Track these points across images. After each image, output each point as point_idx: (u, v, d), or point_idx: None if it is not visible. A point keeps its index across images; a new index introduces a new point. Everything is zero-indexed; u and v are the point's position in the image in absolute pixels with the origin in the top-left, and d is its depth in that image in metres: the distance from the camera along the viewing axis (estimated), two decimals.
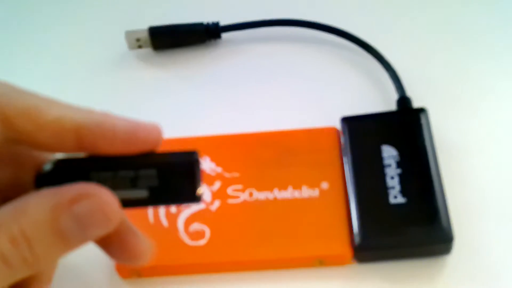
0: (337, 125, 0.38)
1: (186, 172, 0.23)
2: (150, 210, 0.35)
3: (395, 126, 0.37)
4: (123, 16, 0.47)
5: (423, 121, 0.36)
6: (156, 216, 0.35)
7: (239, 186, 0.36)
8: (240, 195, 0.36)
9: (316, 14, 0.43)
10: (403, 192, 0.34)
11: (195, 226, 0.35)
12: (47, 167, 0.23)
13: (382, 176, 0.35)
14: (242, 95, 0.42)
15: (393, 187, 0.34)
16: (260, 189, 0.36)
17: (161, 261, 0.34)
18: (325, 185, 0.35)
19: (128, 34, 0.43)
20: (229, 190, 0.36)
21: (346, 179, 0.35)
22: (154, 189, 0.23)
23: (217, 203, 0.36)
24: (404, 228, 0.33)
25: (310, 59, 0.43)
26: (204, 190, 0.23)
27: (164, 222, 0.35)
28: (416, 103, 0.38)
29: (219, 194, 0.36)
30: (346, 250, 0.33)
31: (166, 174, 0.23)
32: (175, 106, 0.42)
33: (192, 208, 0.35)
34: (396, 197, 0.34)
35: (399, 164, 0.35)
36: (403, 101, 0.38)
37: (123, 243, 0.25)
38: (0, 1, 0.48)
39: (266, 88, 0.42)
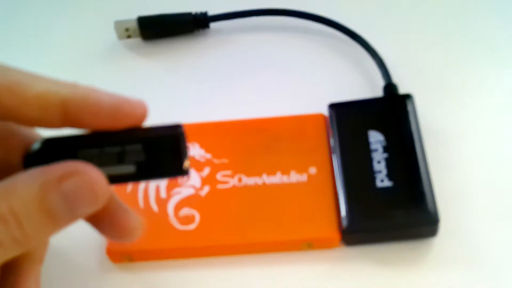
0: (325, 111, 0.38)
1: (171, 145, 0.23)
2: (140, 195, 0.36)
3: (381, 112, 0.37)
4: (112, 6, 0.47)
5: (409, 107, 0.37)
6: (146, 201, 0.36)
7: (228, 172, 0.36)
8: (229, 180, 0.36)
9: (304, 4, 0.44)
10: (390, 176, 0.35)
11: (185, 211, 0.35)
12: (35, 146, 0.23)
13: (369, 160, 0.35)
14: (230, 84, 0.42)
15: (379, 171, 0.35)
16: (249, 174, 0.36)
17: (152, 246, 0.35)
18: (313, 170, 0.36)
19: (117, 24, 0.44)
20: (219, 176, 0.36)
21: (334, 164, 0.36)
22: (141, 164, 0.23)
23: (206, 189, 0.36)
24: (391, 211, 0.34)
25: (298, 48, 0.43)
26: (189, 163, 0.23)
27: (154, 207, 0.36)
28: (402, 90, 0.39)
29: (208, 180, 0.36)
30: (334, 233, 0.34)
31: (152, 149, 0.23)
32: (164, 94, 0.42)
33: (182, 193, 0.36)
34: (382, 180, 0.35)
35: (385, 149, 0.35)
36: (390, 87, 0.39)
37: (114, 220, 0.25)
38: None
39: (255, 77, 0.42)
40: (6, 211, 0.21)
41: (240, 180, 0.36)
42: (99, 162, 0.23)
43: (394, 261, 0.34)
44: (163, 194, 0.36)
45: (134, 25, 0.44)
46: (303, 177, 0.36)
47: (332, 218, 0.34)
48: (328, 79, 0.42)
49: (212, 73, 0.43)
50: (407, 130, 0.36)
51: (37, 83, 0.23)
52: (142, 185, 0.36)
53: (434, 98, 0.39)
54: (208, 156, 0.37)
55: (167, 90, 0.42)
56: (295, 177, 0.36)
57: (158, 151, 0.23)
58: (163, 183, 0.36)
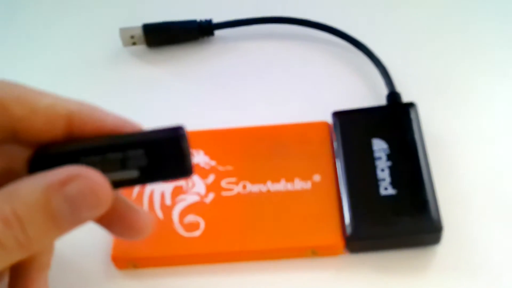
0: (329, 119, 0.38)
1: (173, 147, 0.23)
2: (145, 202, 0.36)
3: (385, 120, 0.38)
4: (118, 13, 0.47)
5: (412, 115, 0.37)
6: (151, 208, 0.36)
7: (233, 179, 0.37)
8: (234, 187, 0.36)
9: (307, 12, 0.44)
10: (393, 184, 0.35)
11: (190, 218, 0.36)
12: (39, 153, 0.24)
13: (373, 168, 0.35)
14: (235, 91, 0.42)
15: (383, 179, 0.35)
16: (253, 181, 0.36)
17: (157, 252, 0.35)
18: (317, 177, 0.36)
19: (123, 31, 0.44)
20: (223, 183, 0.37)
21: (338, 172, 0.36)
22: (144, 168, 0.23)
23: (211, 196, 0.36)
24: (394, 219, 0.34)
25: (302, 55, 0.44)
26: (194, 163, 0.23)
27: (159, 214, 0.36)
28: (405, 98, 0.39)
29: (213, 187, 0.36)
30: (338, 240, 0.34)
31: (154, 152, 0.23)
32: (168, 101, 0.42)
33: (186, 201, 0.36)
34: (386, 188, 0.35)
35: (389, 157, 0.36)
36: (393, 96, 0.39)
37: (124, 220, 0.25)
38: None
39: (259, 84, 0.43)
40: (9, 214, 0.21)
41: (244, 187, 0.36)
42: (102, 168, 0.23)
43: (398, 269, 0.34)
44: (168, 201, 0.36)
45: (139, 32, 0.44)
46: (307, 185, 0.36)
47: (336, 226, 0.34)
48: (331, 87, 0.42)
49: (216, 80, 0.43)
50: (411, 138, 0.36)
51: (45, 97, 0.24)
52: (147, 192, 0.36)
53: (437, 107, 0.40)
54: (213, 163, 0.37)
55: (171, 97, 0.43)
56: (299, 184, 0.36)
57: (160, 154, 0.23)
58: (168, 190, 0.36)
